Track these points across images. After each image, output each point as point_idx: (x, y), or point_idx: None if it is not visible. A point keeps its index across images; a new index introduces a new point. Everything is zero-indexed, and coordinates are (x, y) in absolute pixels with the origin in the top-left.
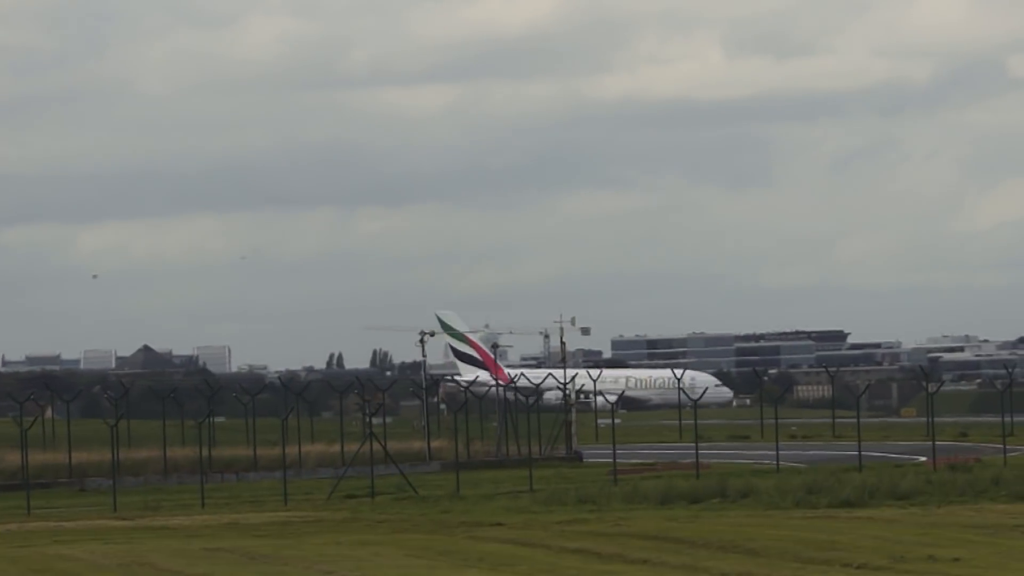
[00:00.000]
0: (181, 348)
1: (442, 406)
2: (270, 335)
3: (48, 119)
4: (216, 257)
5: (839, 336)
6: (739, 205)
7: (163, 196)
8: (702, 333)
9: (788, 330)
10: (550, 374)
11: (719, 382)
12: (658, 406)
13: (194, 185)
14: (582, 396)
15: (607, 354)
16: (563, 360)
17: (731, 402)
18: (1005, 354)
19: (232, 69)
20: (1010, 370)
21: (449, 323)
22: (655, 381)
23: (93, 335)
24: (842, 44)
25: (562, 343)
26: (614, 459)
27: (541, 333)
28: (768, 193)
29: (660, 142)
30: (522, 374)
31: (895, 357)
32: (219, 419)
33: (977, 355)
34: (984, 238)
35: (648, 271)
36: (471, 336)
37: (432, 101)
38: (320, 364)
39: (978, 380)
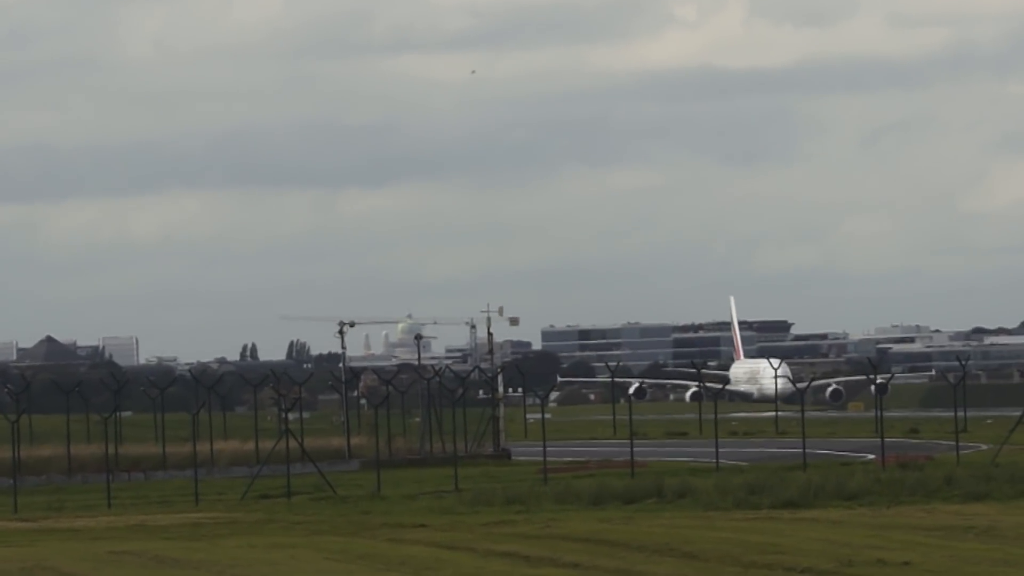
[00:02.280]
0: (86, 339)
1: (362, 401)
2: (180, 325)
3: (30, 90)
4: (143, 242)
5: (782, 327)
6: (742, 184)
7: (118, 175)
8: (637, 323)
9: (728, 320)
10: None
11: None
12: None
13: (148, 163)
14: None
15: (536, 345)
16: (490, 352)
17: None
18: (958, 345)
19: (226, 38)
20: (963, 362)
21: None
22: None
23: None
24: (877, 11)
25: (489, 334)
26: (544, 457)
27: (467, 323)
28: (780, 170)
29: (667, 115)
30: None
31: (841, 348)
32: (126, 414)
33: (928, 346)
34: (996, 219)
35: (626, 258)
36: None
37: (438, 73)
38: (233, 356)
39: (930, 373)
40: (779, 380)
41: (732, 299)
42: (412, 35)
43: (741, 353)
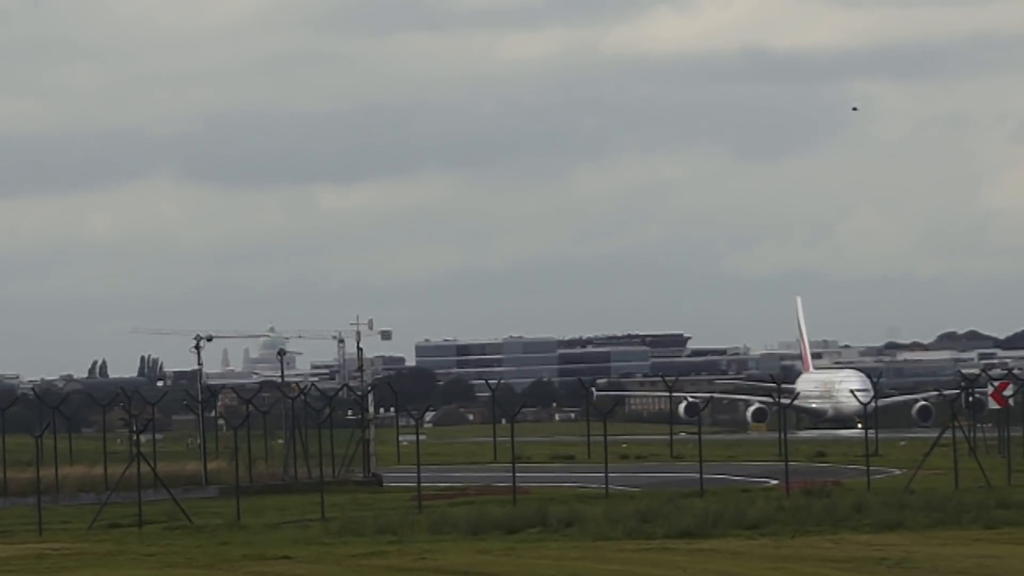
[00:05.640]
0: None
1: (220, 421)
2: (22, 339)
3: None
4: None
5: (678, 341)
6: (738, 181)
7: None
8: (520, 337)
9: (619, 334)
10: None
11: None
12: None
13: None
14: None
15: (411, 361)
16: (360, 368)
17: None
18: (870, 361)
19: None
20: (875, 380)
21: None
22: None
23: None
24: None
25: (359, 349)
26: (419, 483)
27: (335, 337)
28: (781, 166)
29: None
30: None
31: (742, 364)
32: None
33: (837, 362)
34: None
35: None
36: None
37: (436, 51)
38: (80, 373)
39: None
40: (860, 395)
41: (799, 299)
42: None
43: (810, 364)
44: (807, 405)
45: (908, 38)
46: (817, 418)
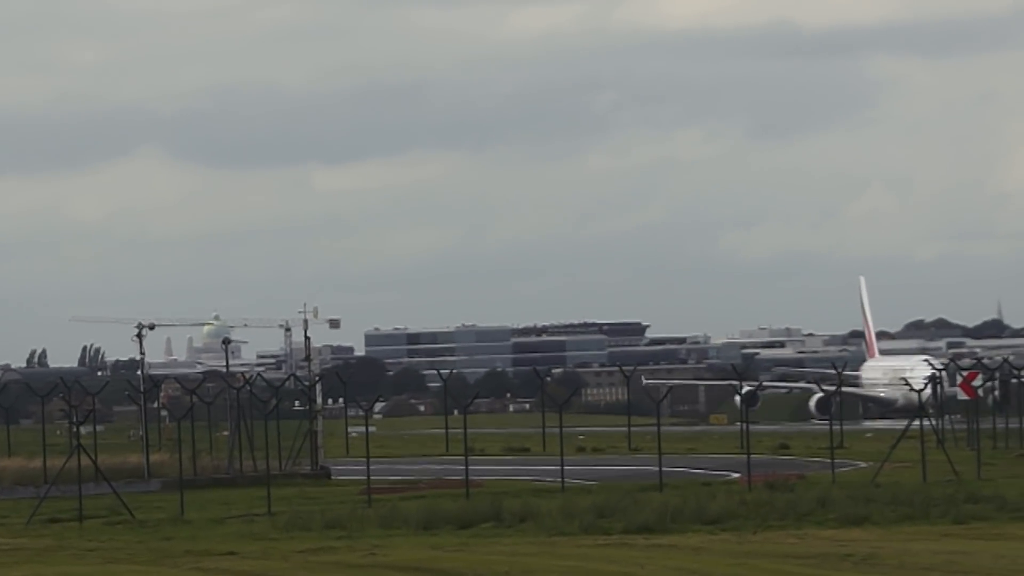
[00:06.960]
0: None
1: (163, 412)
2: None
3: None
4: None
5: (636, 329)
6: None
7: None
8: (473, 326)
9: (575, 322)
10: None
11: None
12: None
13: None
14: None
15: (360, 351)
16: (307, 358)
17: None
18: (833, 350)
19: None
20: (839, 369)
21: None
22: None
23: None
24: None
25: (306, 338)
26: (368, 475)
27: (281, 326)
28: (789, 146)
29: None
30: None
31: (702, 354)
32: None
33: (800, 352)
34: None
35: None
36: None
37: (440, 24)
38: (19, 362)
39: (801, 381)
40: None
41: (862, 279)
42: None
43: (875, 349)
44: (874, 394)
45: (942, 14)
46: (885, 407)
